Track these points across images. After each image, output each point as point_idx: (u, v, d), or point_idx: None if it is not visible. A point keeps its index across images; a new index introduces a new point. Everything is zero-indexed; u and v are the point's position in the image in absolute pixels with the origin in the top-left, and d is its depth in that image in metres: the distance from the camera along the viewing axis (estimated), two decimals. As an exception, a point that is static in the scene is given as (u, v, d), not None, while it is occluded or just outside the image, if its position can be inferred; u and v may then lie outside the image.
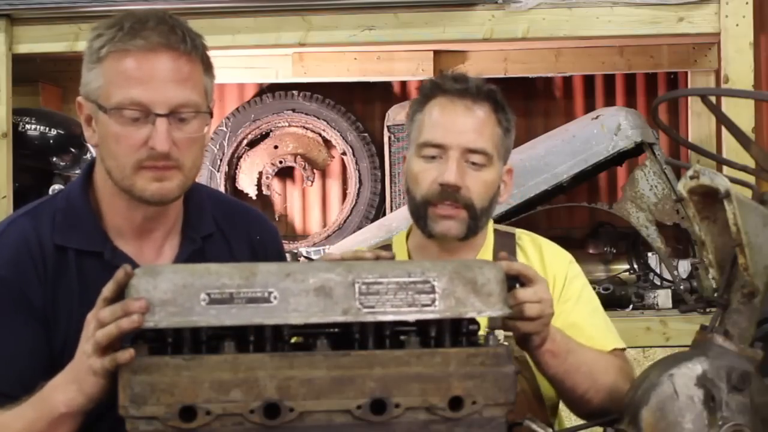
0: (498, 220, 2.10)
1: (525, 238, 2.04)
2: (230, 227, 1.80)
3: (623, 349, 1.94)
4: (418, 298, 1.37)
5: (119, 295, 1.37)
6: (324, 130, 4.48)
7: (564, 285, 1.97)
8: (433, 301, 1.37)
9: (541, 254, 2.00)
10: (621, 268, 3.93)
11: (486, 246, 2.00)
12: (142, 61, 1.54)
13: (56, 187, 3.77)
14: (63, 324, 1.62)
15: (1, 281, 1.60)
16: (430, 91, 1.95)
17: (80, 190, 1.68)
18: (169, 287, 1.32)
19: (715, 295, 1.60)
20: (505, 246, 1.98)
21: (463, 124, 1.90)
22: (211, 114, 1.65)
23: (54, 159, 3.78)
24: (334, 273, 1.36)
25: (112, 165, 1.59)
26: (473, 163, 1.89)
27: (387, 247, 2.06)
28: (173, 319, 1.32)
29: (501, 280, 1.41)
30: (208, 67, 1.63)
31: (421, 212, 1.91)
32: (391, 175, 4.33)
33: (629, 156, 3.71)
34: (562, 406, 2.01)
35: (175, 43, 1.55)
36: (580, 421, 1.79)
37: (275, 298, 1.33)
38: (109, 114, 1.56)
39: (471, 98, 1.91)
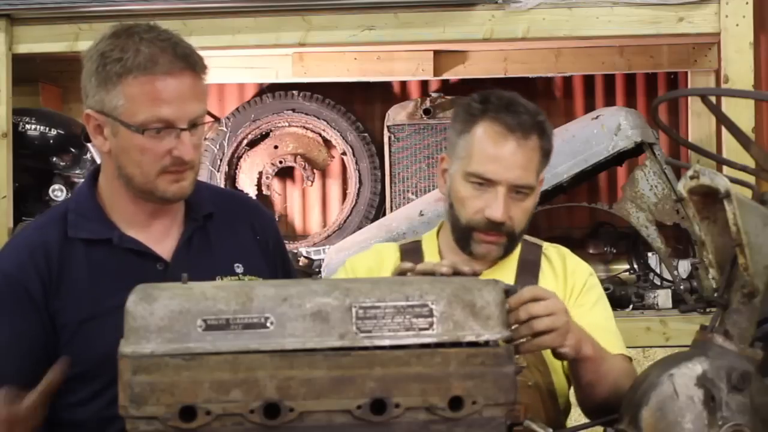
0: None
1: (551, 249, 2.09)
2: (230, 210, 1.97)
3: (629, 359, 1.97)
4: (416, 322, 1.36)
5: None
6: (324, 130, 4.48)
7: (581, 292, 2.02)
8: (431, 324, 1.36)
9: (564, 264, 2.06)
10: (621, 268, 3.93)
11: (513, 255, 2.05)
12: (164, 83, 1.73)
13: (56, 187, 3.77)
14: (71, 308, 1.78)
15: (5, 276, 1.79)
16: (479, 112, 1.96)
17: (87, 191, 1.88)
18: (165, 313, 1.32)
19: (715, 295, 1.60)
20: (531, 255, 2.06)
21: (513, 161, 1.93)
22: (217, 119, 1.86)
23: (54, 159, 3.78)
24: (331, 297, 1.35)
25: (136, 172, 1.78)
26: (518, 193, 1.95)
27: (417, 243, 2.11)
28: (170, 346, 1.32)
29: (500, 303, 1.40)
30: (205, 73, 1.81)
31: (464, 233, 1.98)
32: (391, 175, 4.32)
33: (629, 156, 3.71)
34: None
35: (189, 66, 1.75)
36: (580, 421, 1.79)
37: (272, 323, 1.34)
38: (135, 131, 1.73)
39: (522, 133, 1.94)
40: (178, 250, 1.86)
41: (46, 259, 1.79)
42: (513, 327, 1.56)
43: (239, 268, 1.90)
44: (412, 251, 2.08)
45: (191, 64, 1.75)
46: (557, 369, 1.97)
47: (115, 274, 1.79)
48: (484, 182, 1.94)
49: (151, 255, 1.83)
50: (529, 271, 2.03)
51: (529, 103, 1.99)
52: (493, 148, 1.93)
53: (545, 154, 2.00)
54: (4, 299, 1.78)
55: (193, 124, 1.77)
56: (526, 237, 2.09)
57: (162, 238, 1.86)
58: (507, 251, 2.00)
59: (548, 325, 1.60)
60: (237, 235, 1.94)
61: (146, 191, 1.79)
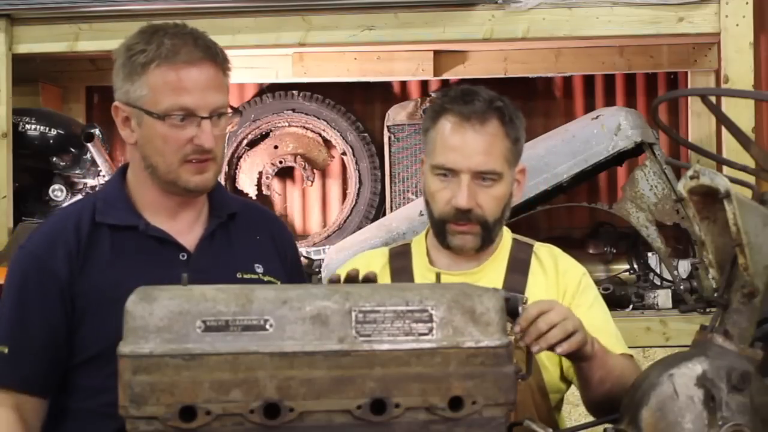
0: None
1: (542, 249, 2.10)
2: (252, 217, 2.02)
3: (631, 357, 1.98)
4: (416, 327, 1.36)
5: None
6: (324, 130, 4.48)
7: (576, 293, 2.03)
8: (431, 330, 1.36)
9: (556, 264, 2.06)
10: (621, 268, 3.93)
11: (502, 253, 2.07)
12: (187, 73, 1.80)
13: (56, 187, 3.77)
14: (92, 289, 1.83)
15: (35, 258, 1.85)
16: (439, 107, 2.01)
17: (117, 183, 1.94)
18: (164, 314, 1.32)
19: (715, 295, 1.60)
20: (522, 254, 2.06)
21: (472, 147, 1.95)
22: (240, 113, 1.94)
23: (54, 159, 3.78)
24: (331, 301, 1.35)
25: (159, 161, 1.84)
26: (484, 180, 1.96)
27: (406, 246, 2.13)
28: (168, 346, 1.32)
29: (500, 309, 1.40)
30: (228, 69, 1.88)
31: (439, 227, 2.01)
32: (391, 175, 4.32)
33: (629, 156, 3.71)
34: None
35: (210, 57, 1.82)
36: (580, 421, 1.80)
37: (271, 325, 1.34)
38: (157, 118, 1.80)
39: (478, 119, 1.96)
40: (201, 242, 1.91)
41: (77, 239, 1.85)
42: (534, 338, 1.64)
43: (259, 268, 1.94)
44: (401, 254, 2.11)
45: (212, 55, 1.82)
46: (548, 366, 1.98)
47: (139, 260, 1.85)
48: (449, 173, 1.97)
49: (175, 244, 1.88)
50: (518, 269, 2.03)
51: (487, 91, 2.01)
52: (451, 138, 1.97)
53: (513, 140, 2.00)
54: (35, 285, 1.84)
55: (215, 115, 1.82)
56: (517, 236, 2.11)
57: (186, 231, 1.91)
58: (484, 241, 2.00)
59: (572, 327, 1.66)
60: (257, 239, 1.99)
61: (169, 181, 1.85)
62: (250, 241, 1.97)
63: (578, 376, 1.86)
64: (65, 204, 3.66)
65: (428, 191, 2.01)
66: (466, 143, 1.95)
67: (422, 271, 2.05)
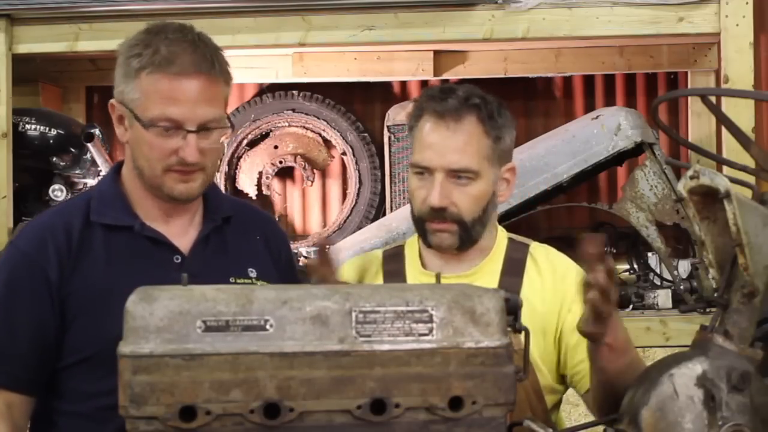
0: (498, 220, 2.10)
1: (539, 249, 2.08)
2: (246, 219, 2.01)
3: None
4: (416, 327, 1.36)
5: None
6: (324, 130, 4.48)
7: (577, 298, 1.98)
8: (431, 330, 1.36)
9: (553, 268, 2.04)
10: (621, 268, 3.93)
11: (496, 254, 2.05)
12: (177, 84, 1.76)
13: (56, 187, 3.77)
14: (85, 289, 1.82)
15: (24, 256, 1.84)
16: (419, 106, 2.01)
17: (111, 181, 1.93)
18: (165, 314, 1.32)
19: (715, 295, 1.60)
20: (517, 254, 2.05)
21: (446, 145, 1.95)
22: (232, 126, 1.88)
23: (54, 159, 3.78)
24: (331, 301, 1.35)
25: (144, 165, 1.82)
26: (459, 178, 1.95)
27: (399, 248, 2.12)
28: (169, 347, 1.32)
29: (500, 310, 1.40)
30: (227, 79, 1.85)
31: (419, 226, 2.01)
32: (391, 175, 4.32)
33: (629, 156, 3.71)
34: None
35: (205, 69, 1.78)
36: (580, 421, 1.79)
37: (271, 326, 1.34)
38: (144, 125, 1.78)
39: (453, 117, 1.95)
40: (195, 245, 1.90)
41: (67, 239, 1.83)
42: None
43: (253, 273, 1.93)
44: (394, 256, 2.10)
45: (208, 67, 1.78)
46: (542, 369, 1.98)
47: (133, 260, 1.84)
48: (425, 171, 1.97)
49: (169, 246, 1.87)
50: (513, 270, 2.02)
51: (468, 89, 2.00)
52: (427, 137, 1.97)
53: (494, 138, 1.97)
54: (24, 283, 1.82)
55: (204, 128, 1.79)
56: (513, 236, 2.10)
57: (181, 234, 1.90)
58: (463, 241, 1.98)
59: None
60: (251, 242, 1.98)
61: (154, 186, 1.84)
62: (244, 244, 1.96)
63: (601, 363, 1.81)
64: (64, 204, 3.66)
65: (409, 190, 2.02)
66: (441, 141, 1.95)
67: (415, 274, 2.05)
